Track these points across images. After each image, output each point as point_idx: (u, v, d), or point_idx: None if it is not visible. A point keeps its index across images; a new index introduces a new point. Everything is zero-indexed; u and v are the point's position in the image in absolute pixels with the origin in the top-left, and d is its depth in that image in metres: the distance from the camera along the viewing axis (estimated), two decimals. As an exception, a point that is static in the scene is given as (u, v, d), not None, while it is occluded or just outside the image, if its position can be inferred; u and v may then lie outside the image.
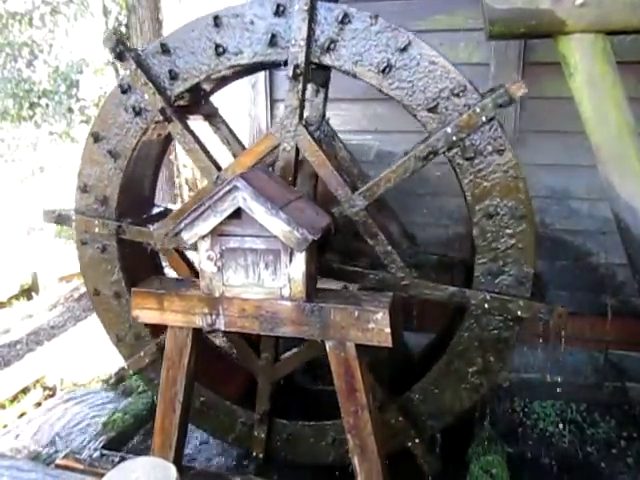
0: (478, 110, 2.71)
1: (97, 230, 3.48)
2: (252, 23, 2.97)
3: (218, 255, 2.72)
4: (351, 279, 3.13)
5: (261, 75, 4.66)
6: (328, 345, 2.74)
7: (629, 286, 4.33)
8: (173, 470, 1.56)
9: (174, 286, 2.98)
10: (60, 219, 3.63)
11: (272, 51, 2.97)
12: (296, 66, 2.90)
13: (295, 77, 2.93)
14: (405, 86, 2.83)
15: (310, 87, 3.61)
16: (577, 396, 4.33)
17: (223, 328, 2.85)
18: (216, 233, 2.68)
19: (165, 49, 3.13)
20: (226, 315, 2.80)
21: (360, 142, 4.63)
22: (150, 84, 3.14)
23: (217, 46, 3.04)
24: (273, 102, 4.82)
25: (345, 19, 2.82)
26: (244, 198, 2.53)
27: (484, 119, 2.72)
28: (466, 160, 2.81)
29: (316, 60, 2.94)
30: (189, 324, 2.89)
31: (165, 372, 3.02)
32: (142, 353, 3.61)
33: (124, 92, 3.26)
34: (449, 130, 2.77)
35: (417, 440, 3.26)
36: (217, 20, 3.02)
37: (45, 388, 5.14)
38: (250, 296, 2.75)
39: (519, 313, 2.86)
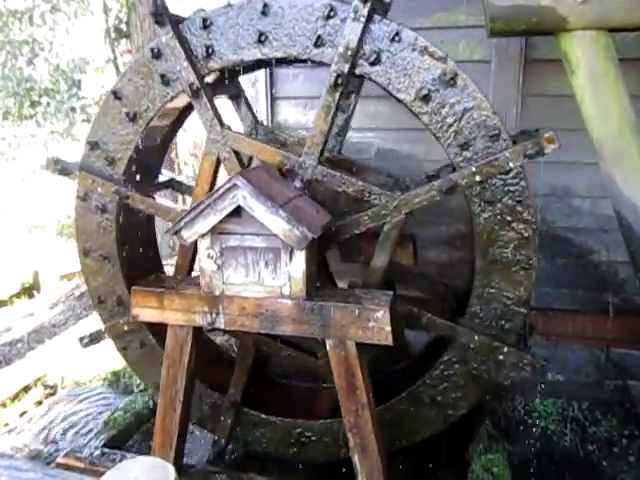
0: (353, 15, 2.73)
1: (126, 329, 3.56)
2: (143, 79, 3.17)
3: (218, 253, 2.71)
4: (347, 232, 3.05)
5: (261, 73, 4.65)
6: (328, 343, 2.73)
7: (631, 284, 4.32)
8: (171, 470, 1.55)
9: (174, 285, 2.98)
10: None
11: (169, 90, 3.13)
12: (190, 85, 3.04)
13: (195, 95, 3.07)
14: (286, 41, 2.93)
15: (231, 103, 3.78)
16: (578, 394, 4.32)
17: (223, 327, 2.85)
18: (216, 231, 2.67)
19: (118, 96, 3.25)
20: (226, 314, 2.80)
21: (361, 140, 4.63)
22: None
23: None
24: (274, 100, 4.81)
25: (206, 22, 3.01)
26: (244, 196, 2.52)
27: (363, 19, 2.72)
28: (373, 64, 2.81)
29: (205, 71, 3.08)
30: (189, 323, 2.89)
31: (165, 371, 3.02)
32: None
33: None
34: (341, 49, 2.78)
35: (505, 349, 3.01)
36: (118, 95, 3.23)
37: (46, 386, 5.14)
38: (250, 294, 2.75)
39: (511, 164, 2.71)
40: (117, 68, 8.61)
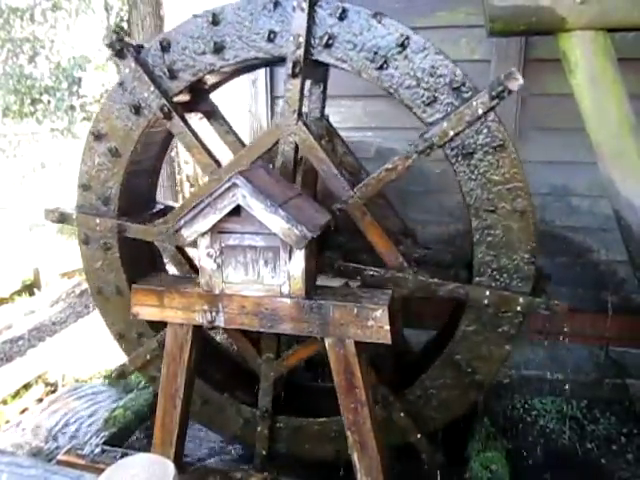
0: (295, 3, 2.79)
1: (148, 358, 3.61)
2: (117, 114, 3.27)
3: (218, 252, 2.73)
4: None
5: (261, 72, 4.65)
6: (327, 342, 2.74)
7: (630, 283, 4.34)
8: (171, 467, 1.56)
9: (174, 283, 2.99)
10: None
11: (143, 119, 3.23)
12: (161, 108, 3.12)
13: (168, 117, 3.14)
14: (241, 44, 2.99)
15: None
16: (577, 393, 4.33)
17: (223, 325, 2.86)
18: (216, 230, 2.68)
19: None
20: (226, 312, 2.81)
21: (361, 139, 4.63)
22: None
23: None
24: (274, 98, 4.82)
25: (164, 44, 3.09)
26: (243, 195, 2.53)
27: (305, 4, 2.77)
28: (328, 47, 2.86)
29: (173, 92, 3.17)
30: (189, 321, 2.90)
31: (165, 368, 3.04)
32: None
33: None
34: (292, 38, 2.85)
35: (521, 299, 2.86)
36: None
37: (47, 384, 5.15)
38: (250, 293, 2.76)
39: (480, 110, 2.64)
40: (118, 66, 8.61)
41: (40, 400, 4.91)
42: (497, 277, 2.92)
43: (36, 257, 8.36)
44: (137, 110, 3.20)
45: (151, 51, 3.14)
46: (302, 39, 2.82)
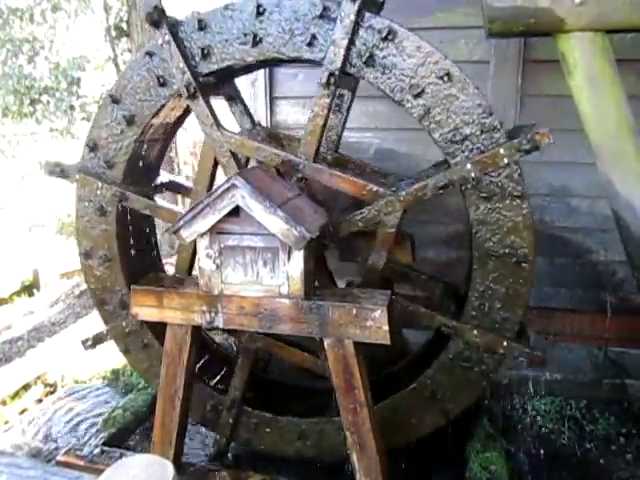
0: (161, 41, 3.03)
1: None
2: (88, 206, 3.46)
3: (217, 253, 2.73)
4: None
5: (260, 72, 4.66)
6: (326, 342, 2.75)
7: (629, 283, 4.34)
8: (170, 468, 1.57)
9: (173, 284, 2.99)
10: None
11: (107, 218, 3.44)
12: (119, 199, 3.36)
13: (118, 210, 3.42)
14: (138, 98, 3.25)
15: None
16: (576, 393, 4.33)
17: (222, 326, 2.86)
18: (215, 231, 2.69)
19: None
20: (225, 313, 2.81)
21: (359, 139, 4.64)
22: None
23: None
24: (273, 99, 4.83)
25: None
26: (242, 196, 2.53)
27: (168, 37, 3.01)
28: (205, 58, 3.04)
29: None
30: (188, 322, 2.90)
31: (165, 369, 3.04)
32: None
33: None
34: (173, 68, 3.07)
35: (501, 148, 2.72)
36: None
37: (46, 385, 5.14)
38: (249, 294, 2.76)
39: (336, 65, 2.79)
40: (117, 67, 8.63)
41: (39, 401, 4.90)
42: (470, 147, 2.80)
43: (35, 257, 8.36)
44: (102, 212, 3.38)
45: (85, 158, 3.36)
46: (182, 64, 3.00)
